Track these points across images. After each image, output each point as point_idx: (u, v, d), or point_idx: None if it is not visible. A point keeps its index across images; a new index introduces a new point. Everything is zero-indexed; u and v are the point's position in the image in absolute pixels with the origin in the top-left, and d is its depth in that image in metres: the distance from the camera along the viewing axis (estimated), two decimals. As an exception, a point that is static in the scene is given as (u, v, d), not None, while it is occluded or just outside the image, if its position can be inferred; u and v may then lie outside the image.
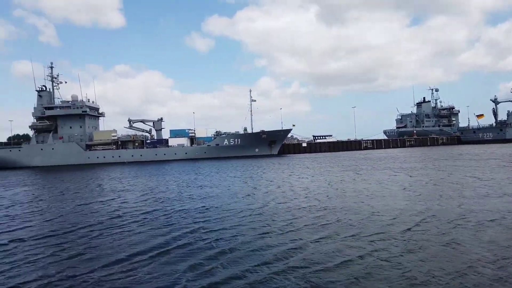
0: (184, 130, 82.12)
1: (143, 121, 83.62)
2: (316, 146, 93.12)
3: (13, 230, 13.42)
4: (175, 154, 77.59)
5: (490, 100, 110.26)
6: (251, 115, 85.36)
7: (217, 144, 78.67)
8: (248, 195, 19.64)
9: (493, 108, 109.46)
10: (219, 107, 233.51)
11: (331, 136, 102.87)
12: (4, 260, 9.69)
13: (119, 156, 76.87)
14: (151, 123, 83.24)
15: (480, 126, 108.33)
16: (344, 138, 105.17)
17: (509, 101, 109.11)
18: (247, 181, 26.60)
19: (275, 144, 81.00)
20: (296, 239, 10.53)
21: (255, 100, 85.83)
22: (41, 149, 75.90)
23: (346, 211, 14.10)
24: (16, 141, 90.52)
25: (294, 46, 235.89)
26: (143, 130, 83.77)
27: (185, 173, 38.34)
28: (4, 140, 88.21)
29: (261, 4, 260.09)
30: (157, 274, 8.14)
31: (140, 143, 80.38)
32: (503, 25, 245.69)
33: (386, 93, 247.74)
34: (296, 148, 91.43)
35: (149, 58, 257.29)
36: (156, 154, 77.63)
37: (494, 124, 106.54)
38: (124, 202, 19.08)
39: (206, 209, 15.99)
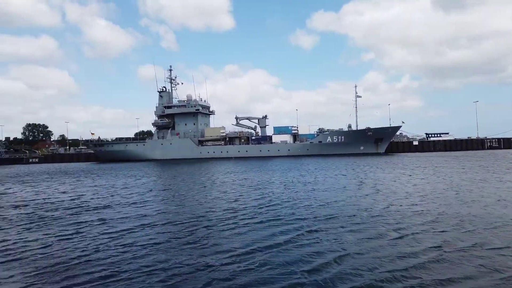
0: (287, 127, 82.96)
1: (249, 118, 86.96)
2: (430, 145, 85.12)
3: (144, 216, 14.82)
4: (278, 150, 78.93)
5: None
6: (356, 111, 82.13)
7: (320, 141, 77.55)
8: (366, 195, 18.48)
9: None
10: (323, 104, 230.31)
11: (447, 134, 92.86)
12: (136, 243, 10.65)
13: (227, 152, 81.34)
14: (256, 120, 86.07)
15: None
16: (464, 136, 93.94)
17: None
18: (362, 180, 25.25)
19: (382, 141, 76.46)
20: (433, 248, 9.36)
21: (360, 96, 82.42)
22: (161, 144, 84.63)
23: (490, 220, 12.18)
24: (141, 136, 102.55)
25: (405, 36, 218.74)
26: (248, 127, 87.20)
27: (292, 169, 38.44)
28: (132, 136, 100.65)
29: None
30: (273, 273, 7.91)
31: (246, 139, 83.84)
32: None
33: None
34: (405, 146, 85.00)
35: (256, 57, 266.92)
36: (260, 150, 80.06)
37: None
38: (241, 196, 19.71)
39: (323, 207, 15.49)
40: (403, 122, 79.74)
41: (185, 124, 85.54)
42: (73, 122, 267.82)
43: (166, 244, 10.53)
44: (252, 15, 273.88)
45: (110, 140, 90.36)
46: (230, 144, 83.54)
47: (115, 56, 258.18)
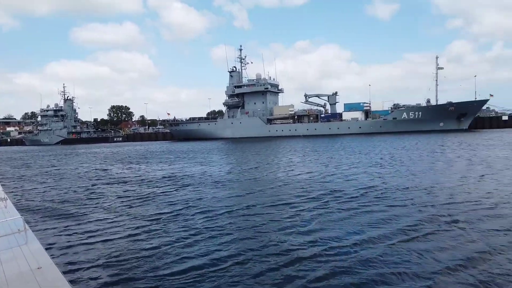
0: (359, 103, 79.99)
1: (318, 96, 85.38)
2: (522, 120, 76.04)
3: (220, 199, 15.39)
4: (349, 128, 76.66)
5: None
6: (436, 85, 76.05)
7: (395, 118, 73.57)
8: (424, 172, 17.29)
9: None
10: (399, 78, 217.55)
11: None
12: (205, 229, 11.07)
13: (295, 130, 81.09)
14: (326, 97, 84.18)
15: None
16: None
17: None
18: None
19: (465, 117, 70.09)
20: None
21: (442, 68, 75.89)
22: (231, 123, 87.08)
23: None
24: (213, 116, 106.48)
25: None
26: (317, 105, 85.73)
27: (367, 148, 37.24)
28: (204, 115, 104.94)
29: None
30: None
31: (315, 117, 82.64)
32: None
33: None
34: (493, 122, 76.97)
35: (328, 31, 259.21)
36: (329, 128, 78.46)
37: None
38: (315, 181, 19.65)
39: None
40: (491, 95, 71.29)
41: (254, 103, 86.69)
42: (152, 103, 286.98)
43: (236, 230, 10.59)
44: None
45: (184, 120, 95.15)
46: (298, 122, 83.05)
47: (191, 38, 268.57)
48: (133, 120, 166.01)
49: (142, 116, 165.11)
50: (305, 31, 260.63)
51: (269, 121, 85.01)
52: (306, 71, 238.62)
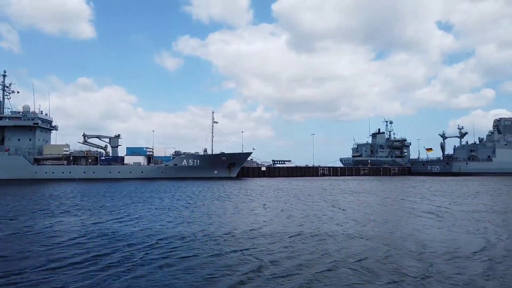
0: (142, 148, 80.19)
1: (98, 137, 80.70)
2: (275, 171, 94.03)
3: None
4: (130, 172, 75.00)
5: (439, 135, 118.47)
6: (212, 136, 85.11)
7: (175, 164, 77.12)
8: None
9: (441, 143, 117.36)
10: (182, 126, 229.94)
11: (290, 161, 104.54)
12: None
13: (70, 172, 73.06)
14: (107, 139, 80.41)
15: (429, 158, 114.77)
16: (303, 164, 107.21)
17: (456, 136, 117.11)
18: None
19: (234, 166, 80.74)
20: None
21: (217, 122, 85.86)
22: (-17, 161, 70.48)
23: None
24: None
25: (263, 71, 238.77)
26: (98, 146, 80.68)
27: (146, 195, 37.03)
28: None
29: (235, 28, 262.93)
30: None
31: (94, 159, 77.05)
32: (458, 65, 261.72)
33: (347, 122, 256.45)
34: (255, 171, 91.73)
35: (115, 73, 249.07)
36: (110, 172, 74.61)
37: (441, 158, 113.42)
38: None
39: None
40: (254, 149, 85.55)
41: (19, 139, 73.58)
42: None
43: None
44: (115, 28, 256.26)
45: None
46: (74, 164, 75.33)
47: None
48: None
49: None
50: (89, 68, 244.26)
51: (37, 161, 73.53)
52: (87, 110, 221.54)
